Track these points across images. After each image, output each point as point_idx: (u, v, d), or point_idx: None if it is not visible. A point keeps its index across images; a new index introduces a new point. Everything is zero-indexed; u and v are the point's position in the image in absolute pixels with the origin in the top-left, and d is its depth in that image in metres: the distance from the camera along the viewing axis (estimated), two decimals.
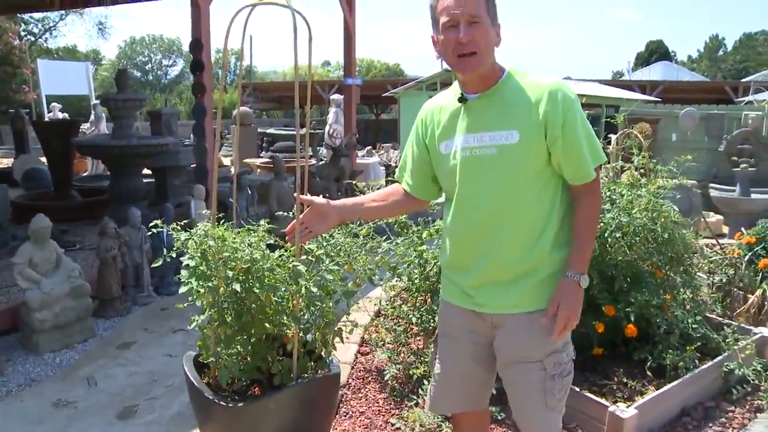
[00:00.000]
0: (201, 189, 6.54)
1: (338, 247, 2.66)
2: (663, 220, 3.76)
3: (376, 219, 3.45)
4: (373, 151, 17.42)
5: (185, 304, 2.52)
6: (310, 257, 2.51)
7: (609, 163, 4.36)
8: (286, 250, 2.51)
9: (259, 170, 11.42)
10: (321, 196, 2.33)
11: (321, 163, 10.48)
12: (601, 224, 3.61)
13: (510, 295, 2.11)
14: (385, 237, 3.83)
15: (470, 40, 1.97)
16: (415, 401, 3.48)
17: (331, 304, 2.50)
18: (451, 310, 2.29)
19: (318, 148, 18.56)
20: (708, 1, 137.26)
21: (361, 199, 2.40)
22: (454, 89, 2.17)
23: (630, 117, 9.52)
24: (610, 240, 3.59)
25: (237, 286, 2.19)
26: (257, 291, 2.29)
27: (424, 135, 2.26)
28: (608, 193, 3.86)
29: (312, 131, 19.44)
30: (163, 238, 5.93)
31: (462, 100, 2.11)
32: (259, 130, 17.35)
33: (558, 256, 2.09)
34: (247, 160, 11.80)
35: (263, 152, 15.34)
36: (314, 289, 2.33)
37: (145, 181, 7.76)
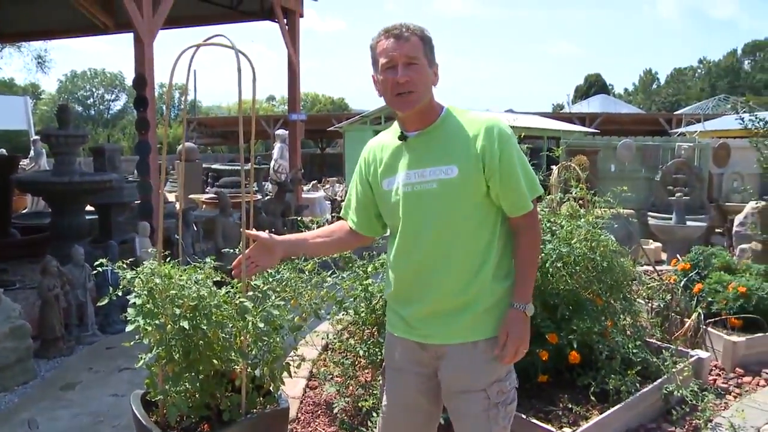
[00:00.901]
0: (146, 226, 6.46)
1: (284, 282, 2.68)
2: (602, 249, 3.89)
3: (321, 255, 3.48)
4: (318, 185, 17.45)
5: (132, 343, 2.50)
6: (256, 293, 2.53)
7: (549, 194, 4.49)
8: (232, 287, 2.52)
9: (204, 206, 11.31)
10: (267, 231, 2.35)
11: (267, 198, 10.46)
12: (543, 254, 3.71)
13: (453, 325, 2.16)
14: (330, 272, 3.85)
15: (408, 80, 2.06)
16: None
17: (278, 338, 2.51)
18: (396, 342, 2.33)
19: (263, 183, 18.50)
20: (642, 37, 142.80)
21: (306, 235, 2.44)
22: (395, 128, 2.25)
23: (570, 149, 9.84)
24: (551, 270, 3.69)
25: (185, 324, 2.19)
26: (205, 328, 2.29)
27: (367, 173, 2.33)
28: (548, 225, 3.98)
29: (257, 166, 19.38)
30: (107, 276, 5.83)
31: (402, 137, 2.19)
32: (204, 165, 17.20)
33: (499, 287, 2.16)
34: (192, 196, 11.67)
35: (208, 188, 15.21)
36: (261, 325, 2.34)
37: (87, 217, 7.62)
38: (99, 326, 5.68)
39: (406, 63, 2.05)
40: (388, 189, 2.22)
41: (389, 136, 2.27)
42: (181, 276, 2.37)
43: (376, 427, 3.43)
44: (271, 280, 2.57)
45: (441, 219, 2.10)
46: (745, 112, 6.76)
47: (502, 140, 2.07)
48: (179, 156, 10.55)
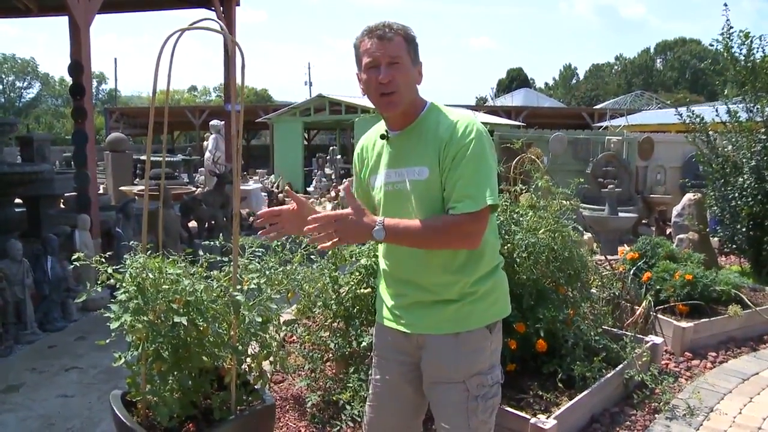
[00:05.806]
0: (86, 219, 6.21)
1: (279, 275, 2.61)
2: (561, 239, 3.98)
3: None
4: (248, 177, 17.24)
5: (107, 341, 2.40)
6: (248, 286, 2.46)
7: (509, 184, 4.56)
8: (219, 280, 2.45)
9: (137, 198, 10.96)
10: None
11: (206, 190, 10.23)
12: (509, 245, 3.77)
13: (434, 317, 2.16)
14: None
15: (390, 80, 2.04)
16: (338, 427, 3.45)
17: (271, 332, 2.46)
18: (383, 331, 2.33)
19: (193, 174, 18.09)
20: (561, 33, 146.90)
21: None
22: (382, 125, 2.24)
23: (505, 141, 10.01)
24: (518, 260, 3.75)
25: (184, 320, 2.11)
26: (199, 323, 2.22)
27: (361, 169, 2.33)
28: (512, 215, 4.04)
29: (187, 158, 18.94)
30: (46, 270, 5.59)
31: (384, 137, 2.19)
32: (134, 156, 16.66)
33: (482, 283, 2.15)
34: (122, 188, 11.31)
35: (136, 180, 14.77)
36: (259, 319, 2.29)
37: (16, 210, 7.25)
38: (39, 324, 5.43)
39: (388, 63, 2.04)
40: (373, 186, 2.23)
41: (376, 133, 2.27)
42: (170, 270, 2.29)
43: (350, 420, 3.43)
44: (266, 272, 2.50)
45: (417, 218, 2.09)
46: (681, 107, 7.03)
47: (461, 142, 2.03)
48: (107, 146, 10.19)
